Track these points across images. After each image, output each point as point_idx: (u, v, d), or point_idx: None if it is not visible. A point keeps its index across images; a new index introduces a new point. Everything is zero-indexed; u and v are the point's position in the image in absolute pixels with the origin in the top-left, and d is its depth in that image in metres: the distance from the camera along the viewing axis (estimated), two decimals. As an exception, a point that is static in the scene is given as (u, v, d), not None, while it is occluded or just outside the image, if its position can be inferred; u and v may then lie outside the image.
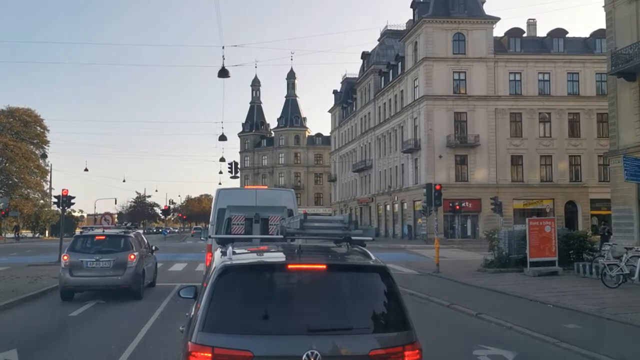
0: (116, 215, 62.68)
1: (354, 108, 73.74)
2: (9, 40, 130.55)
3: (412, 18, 55.65)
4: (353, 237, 4.72)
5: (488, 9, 51.96)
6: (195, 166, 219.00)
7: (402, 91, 55.41)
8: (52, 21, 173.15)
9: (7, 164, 70.28)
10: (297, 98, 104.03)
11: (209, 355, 3.70)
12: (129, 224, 18.77)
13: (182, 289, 5.51)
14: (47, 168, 73.79)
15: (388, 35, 68.76)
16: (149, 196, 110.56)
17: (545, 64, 50.15)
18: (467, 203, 46.17)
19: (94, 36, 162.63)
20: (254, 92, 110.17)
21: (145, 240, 16.22)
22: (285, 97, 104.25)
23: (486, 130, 48.70)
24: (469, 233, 48.21)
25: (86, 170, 72.08)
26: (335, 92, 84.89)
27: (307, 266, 4.20)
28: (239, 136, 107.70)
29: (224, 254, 4.50)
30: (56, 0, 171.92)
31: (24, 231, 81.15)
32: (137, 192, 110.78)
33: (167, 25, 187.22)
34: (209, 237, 13.01)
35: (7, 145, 67.87)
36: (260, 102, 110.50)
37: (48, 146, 74.63)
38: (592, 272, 17.29)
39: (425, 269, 21.52)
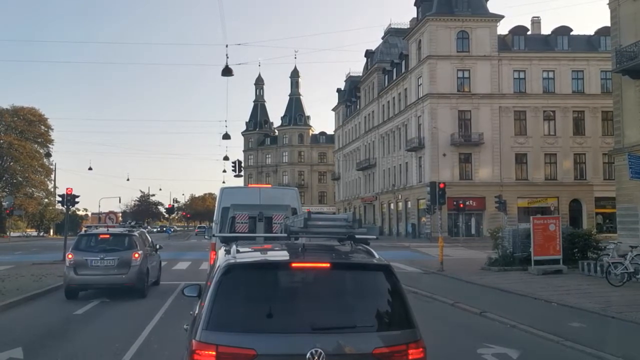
0: (120, 214, 62.83)
1: (358, 106, 73.65)
2: (11, 40, 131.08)
3: (415, 16, 55.58)
4: (357, 236, 4.74)
5: (492, 6, 51.91)
6: (199, 165, 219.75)
7: (405, 89, 55.32)
8: (52, 21, 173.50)
9: (11, 163, 70.58)
10: (300, 96, 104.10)
11: (213, 353, 3.70)
12: (133, 223, 18.76)
13: (186, 288, 5.54)
14: (51, 167, 74.39)
15: (392, 33, 68.63)
16: (153, 195, 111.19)
17: (550, 62, 49.98)
18: (471, 201, 46.22)
19: (96, 35, 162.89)
20: (257, 90, 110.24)
21: (150, 239, 16.26)
22: (289, 95, 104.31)
23: (490, 129, 48.60)
24: (473, 231, 48.10)
25: (90, 169, 71.45)
26: (339, 90, 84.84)
27: (311, 265, 4.19)
28: (242, 135, 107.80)
29: (227, 252, 4.50)
30: (57, 0, 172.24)
31: (28, 230, 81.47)
32: (141, 190, 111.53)
33: (170, 24, 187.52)
34: (213, 235, 13.04)
35: (11, 144, 68.16)
36: (264, 101, 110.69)
37: (52, 145, 75.22)
38: (596, 270, 17.26)
39: (429, 268, 21.51)
